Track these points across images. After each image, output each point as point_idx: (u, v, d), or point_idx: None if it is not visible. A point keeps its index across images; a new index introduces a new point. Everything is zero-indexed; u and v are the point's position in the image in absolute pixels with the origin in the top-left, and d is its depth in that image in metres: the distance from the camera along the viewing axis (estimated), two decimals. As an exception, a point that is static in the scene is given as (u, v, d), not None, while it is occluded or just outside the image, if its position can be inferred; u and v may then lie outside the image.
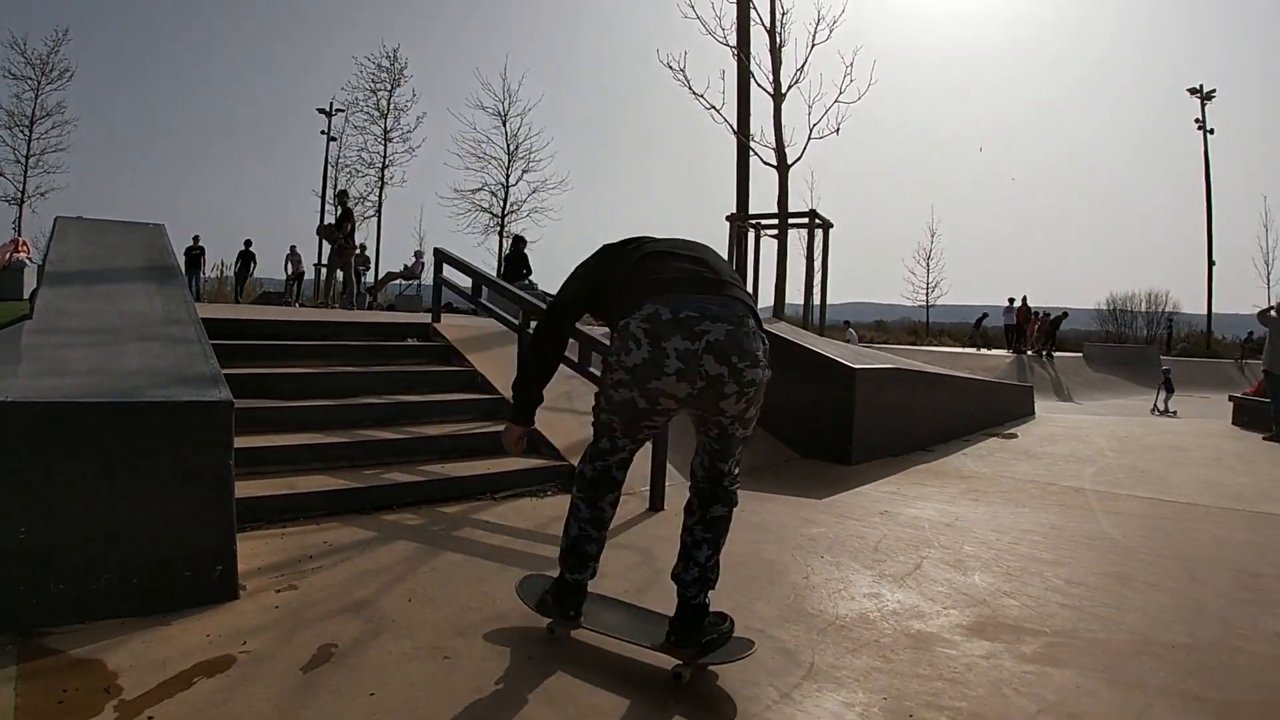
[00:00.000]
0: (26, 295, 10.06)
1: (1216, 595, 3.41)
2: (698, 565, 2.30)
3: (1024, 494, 5.61)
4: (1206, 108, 30.51)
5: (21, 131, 26.35)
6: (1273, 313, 8.83)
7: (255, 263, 19.86)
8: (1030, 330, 22.92)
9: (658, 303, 2.07)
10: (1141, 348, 27.26)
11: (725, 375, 2.03)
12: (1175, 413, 15.03)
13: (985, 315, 28.00)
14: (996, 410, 9.04)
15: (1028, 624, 2.96)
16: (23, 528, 2.43)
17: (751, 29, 13.97)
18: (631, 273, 2.25)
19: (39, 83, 26.67)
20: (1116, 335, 31.74)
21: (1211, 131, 30.29)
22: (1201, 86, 30.32)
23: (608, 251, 2.45)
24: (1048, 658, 2.64)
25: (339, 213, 13.49)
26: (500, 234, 27.36)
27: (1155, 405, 15.80)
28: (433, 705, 2.14)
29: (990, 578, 3.52)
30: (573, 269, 2.50)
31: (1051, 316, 23.77)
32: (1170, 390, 15.88)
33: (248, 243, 19.79)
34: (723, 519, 2.35)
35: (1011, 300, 23.84)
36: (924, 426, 7.41)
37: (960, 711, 2.25)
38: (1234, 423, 10.06)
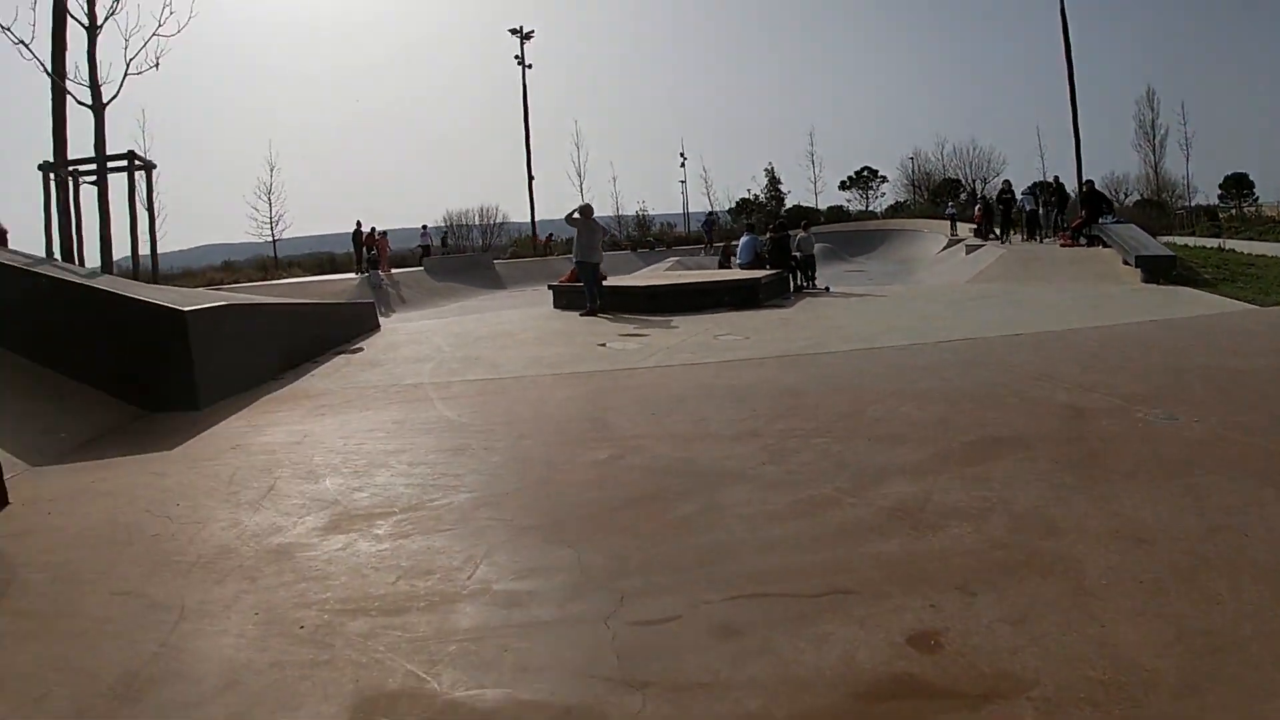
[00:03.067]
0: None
1: (543, 445, 4.40)
2: None
3: (368, 399, 6.04)
4: (526, 46, 35.57)
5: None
6: (576, 215, 11.42)
7: None
8: (383, 252, 24.28)
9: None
10: (475, 255, 31.47)
11: None
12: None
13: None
14: (341, 329, 9.45)
15: (378, 510, 3.37)
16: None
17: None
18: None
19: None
20: (456, 247, 35.70)
21: (530, 66, 35.66)
22: (521, 28, 35.36)
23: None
24: (398, 534, 3.08)
25: None
26: None
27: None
28: None
29: (340, 479, 3.84)
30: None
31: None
32: None
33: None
34: None
35: (359, 223, 24.86)
36: (270, 356, 7.27)
37: (327, 602, 2.49)
38: (555, 306, 12.17)
